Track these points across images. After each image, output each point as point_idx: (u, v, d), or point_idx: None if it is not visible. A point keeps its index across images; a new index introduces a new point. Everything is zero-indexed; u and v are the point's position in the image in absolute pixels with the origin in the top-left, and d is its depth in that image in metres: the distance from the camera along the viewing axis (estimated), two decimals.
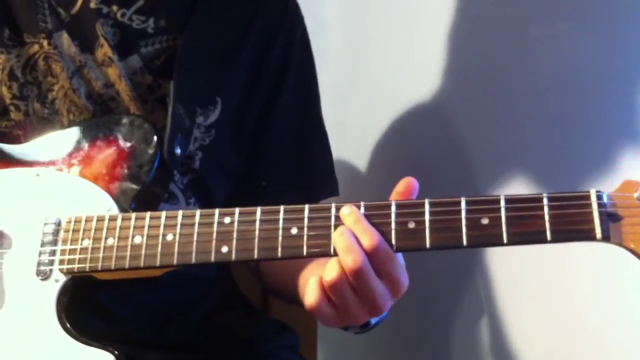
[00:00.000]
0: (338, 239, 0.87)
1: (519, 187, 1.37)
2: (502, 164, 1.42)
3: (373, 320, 0.98)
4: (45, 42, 1.15)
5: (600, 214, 0.81)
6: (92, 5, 1.14)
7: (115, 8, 1.15)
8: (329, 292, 0.89)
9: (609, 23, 1.21)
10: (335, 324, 0.93)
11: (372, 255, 0.87)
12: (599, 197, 0.82)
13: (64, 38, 1.15)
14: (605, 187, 0.84)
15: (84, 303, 1.02)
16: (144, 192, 1.03)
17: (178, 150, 1.11)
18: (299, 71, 1.26)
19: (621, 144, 1.15)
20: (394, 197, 0.91)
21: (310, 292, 0.90)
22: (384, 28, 1.72)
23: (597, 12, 1.23)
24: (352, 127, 1.81)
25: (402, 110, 1.65)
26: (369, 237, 0.87)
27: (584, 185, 0.84)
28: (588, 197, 0.82)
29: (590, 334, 1.27)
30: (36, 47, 1.15)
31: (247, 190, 1.23)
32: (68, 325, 0.97)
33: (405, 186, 0.91)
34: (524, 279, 1.39)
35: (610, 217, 0.81)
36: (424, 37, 1.59)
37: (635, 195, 0.81)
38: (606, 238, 0.81)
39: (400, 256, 0.91)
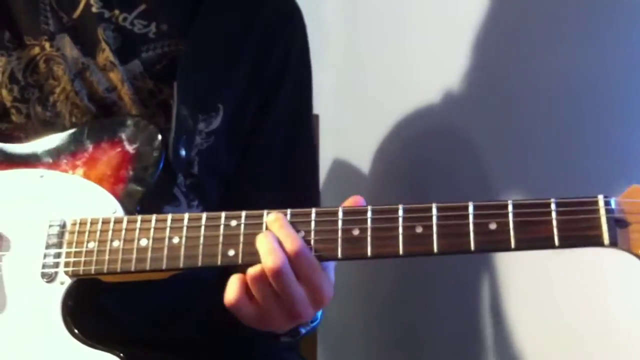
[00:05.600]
0: (261, 241, 0.90)
1: (514, 185, 1.38)
2: (500, 162, 1.43)
3: (303, 330, 1.00)
4: (47, 45, 1.14)
5: (608, 219, 0.81)
6: (94, 9, 1.14)
7: (117, 12, 1.15)
8: (251, 287, 0.91)
9: (619, 26, 1.21)
10: (256, 325, 0.94)
11: (293, 260, 0.89)
12: (607, 203, 0.82)
13: (66, 41, 1.14)
14: (610, 192, 0.84)
15: (87, 305, 1.01)
16: (149, 194, 1.03)
17: (183, 152, 1.11)
18: (296, 80, 1.26)
19: (629, 149, 1.15)
20: None
21: (230, 288, 0.92)
22: (383, 28, 1.73)
23: (603, 14, 1.23)
24: (352, 128, 1.82)
25: (401, 111, 1.66)
26: (291, 242, 0.89)
27: (590, 189, 0.85)
28: (596, 203, 0.82)
29: (593, 339, 1.27)
30: (37, 50, 1.15)
31: (233, 192, 1.23)
32: (74, 328, 0.96)
33: (352, 203, 0.92)
34: (526, 282, 1.39)
35: (617, 223, 0.81)
36: (423, 37, 1.59)
37: None
38: (614, 244, 0.81)
39: (329, 269, 0.93)
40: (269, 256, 0.88)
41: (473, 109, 1.49)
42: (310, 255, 0.89)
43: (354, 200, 0.93)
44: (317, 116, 1.62)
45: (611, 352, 1.25)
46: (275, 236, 0.89)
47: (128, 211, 1.01)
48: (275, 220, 0.91)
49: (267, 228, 0.91)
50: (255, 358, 1.24)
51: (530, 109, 1.36)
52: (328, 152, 1.82)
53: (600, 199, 0.83)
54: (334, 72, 1.86)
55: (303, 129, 1.29)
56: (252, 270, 0.90)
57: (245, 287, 0.92)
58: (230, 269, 1.30)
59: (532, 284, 1.38)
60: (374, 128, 1.74)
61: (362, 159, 1.79)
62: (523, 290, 1.41)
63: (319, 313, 0.98)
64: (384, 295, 1.78)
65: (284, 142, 1.26)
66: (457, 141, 1.54)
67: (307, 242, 0.90)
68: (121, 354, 0.95)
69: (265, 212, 0.93)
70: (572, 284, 1.30)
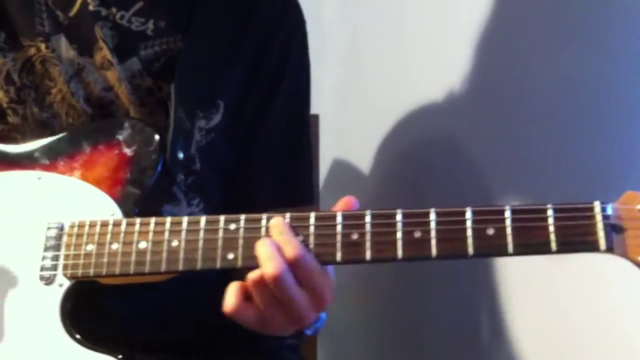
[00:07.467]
0: (259, 248, 0.90)
1: (511, 184, 1.38)
2: (499, 162, 1.43)
3: (307, 331, 1.00)
4: (42, 46, 1.14)
5: (605, 225, 0.82)
6: (91, 7, 1.13)
7: (114, 10, 1.14)
8: (252, 291, 0.91)
9: (621, 29, 1.21)
10: (258, 329, 0.95)
11: (293, 266, 0.89)
12: (603, 209, 0.82)
13: (62, 41, 1.14)
14: (605, 198, 0.85)
15: (87, 306, 1.01)
16: (146, 197, 1.03)
17: (180, 155, 1.11)
18: (295, 77, 1.26)
19: (625, 154, 1.16)
20: None
21: (229, 296, 0.93)
22: (384, 28, 1.73)
23: (604, 15, 1.23)
24: (352, 127, 1.82)
25: (401, 111, 1.65)
26: (292, 248, 0.89)
27: (585, 194, 0.85)
28: (592, 209, 0.83)
29: (592, 341, 1.27)
30: (33, 51, 1.14)
31: (233, 192, 1.23)
32: (72, 330, 0.97)
33: (344, 205, 0.92)
34: (526, 283, 1.39)
35: (613, 229, 0.82)
36: (423, 37, 1.59)
37: (638, 207, 0.82)
38: (610, 250, 0.82)
39: (330, 271, 0.93)
40: (268, 263, 0.89)
41: (473, 109, 1.49)
42: (310, 260, 0.89)
43: (346, 202, 0.93)
44: (317, 116, 1.62)
45: (611, 355, 1.26)
46: (274, 242, 0.90)
47: (126, 213, 1.01)
48: (275, 226, 0.91)
49: (267, 233, 0.91)
50: (255, 358, 1.24)
51: (530, 112, 1.35)
52: (328, 152, 1.82)
53: (597, 205, 0.83)
54: (334, 72, 1.86)
55: (302, 126, 1.29)
56: (252, 275, 0.90)
57: (244, 293, 0.92)
58: (229, 271, 1.31)
59: (532, 285, 1.38)
60: (374, 128, 1.74)
61: (362, 159, 1.79)
62: (523, 291, 1.41)
63: (323, 314, 0.98)
64: (384, 295, 1.78)
65: (283, 139, 1.26)
66: (457, 141, 1.54)
67: (307, 246, 0.90)
68: (120, 357, 0.95)
69: (264, 215, 0.93)
70: (572, 286, 1.30)
